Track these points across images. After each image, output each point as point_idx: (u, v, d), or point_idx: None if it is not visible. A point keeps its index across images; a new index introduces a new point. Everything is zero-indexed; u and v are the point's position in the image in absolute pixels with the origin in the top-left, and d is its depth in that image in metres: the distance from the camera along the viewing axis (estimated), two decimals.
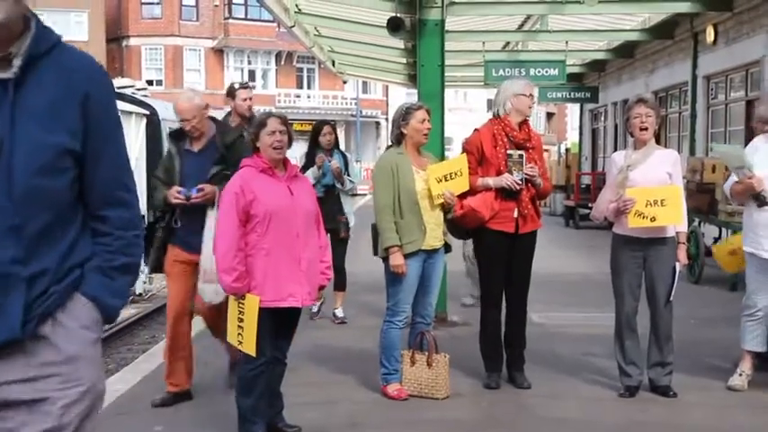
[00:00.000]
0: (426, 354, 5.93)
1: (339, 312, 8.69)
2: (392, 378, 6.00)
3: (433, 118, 6.13)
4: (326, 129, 8.63)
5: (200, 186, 5.59)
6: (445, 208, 5.95)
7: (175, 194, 5.60)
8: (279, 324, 4.94)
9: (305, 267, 4.89)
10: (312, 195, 5.17)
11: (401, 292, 5.87)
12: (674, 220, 5.85)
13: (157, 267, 5.90)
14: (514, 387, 6.18)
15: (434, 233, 5.91)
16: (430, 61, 8.64)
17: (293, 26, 13.94)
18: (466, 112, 50.75)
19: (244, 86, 7.33)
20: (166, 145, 6.11)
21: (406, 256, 5.79)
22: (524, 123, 6.18)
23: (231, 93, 7.19)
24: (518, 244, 6.13)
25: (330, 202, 8.30)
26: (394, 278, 5.86)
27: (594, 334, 7.72)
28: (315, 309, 8.68)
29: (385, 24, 10.22)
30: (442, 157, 7.70)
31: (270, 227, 4.78)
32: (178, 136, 5.90)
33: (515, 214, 6.07)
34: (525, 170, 6.02)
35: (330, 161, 8.38)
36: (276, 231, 4.79)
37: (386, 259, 5.88)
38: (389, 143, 6.48)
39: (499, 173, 6.03)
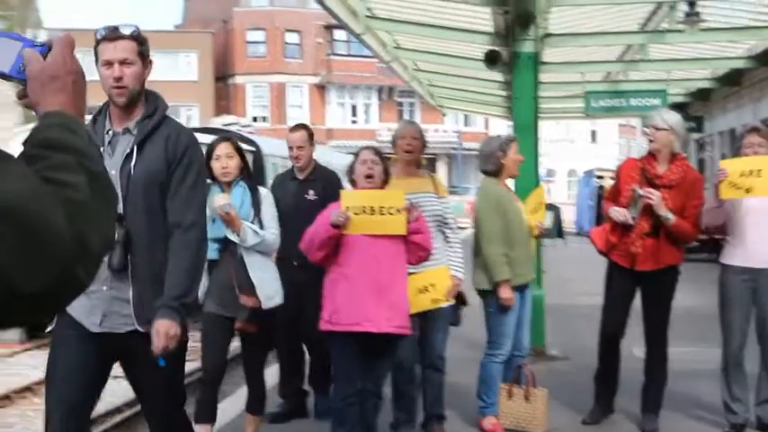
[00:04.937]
0: (524, 388, 5.89)
1: None
2: (489, 412, 5.97)
3: (526, 150, 6.14)
4: (221, 148, 5.08)
5: None
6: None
7: None
8: (365, 353, 4.92)
9: (384, 292, 4.85)
10: None
11: (505, 325, 5.80)
12: None
13: None
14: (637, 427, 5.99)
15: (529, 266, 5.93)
16: (524, 94, 8.66)
17: (391, 61, 14.13)
18: (568, 143, 50.21)
19: (112, 37, 3.47)
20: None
21: (513, 289, 5.73)
22: (674, 160, 5.78)
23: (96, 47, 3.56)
24: (644, 281, 5.88)
25: (224, 267, 5.00)
26: (500, 312, 5.76)
27: (699, 369, 7.49)
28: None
29: (482, 58, 10.27)
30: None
31: (351, 252, 4.85)
32: None
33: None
34: (643, 193, 5.64)
35: (222, 202, 4.90)
36: (356, 257, 4.84)
37: (487, 292, 5.79)
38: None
39: (621, 206, 5.83)
